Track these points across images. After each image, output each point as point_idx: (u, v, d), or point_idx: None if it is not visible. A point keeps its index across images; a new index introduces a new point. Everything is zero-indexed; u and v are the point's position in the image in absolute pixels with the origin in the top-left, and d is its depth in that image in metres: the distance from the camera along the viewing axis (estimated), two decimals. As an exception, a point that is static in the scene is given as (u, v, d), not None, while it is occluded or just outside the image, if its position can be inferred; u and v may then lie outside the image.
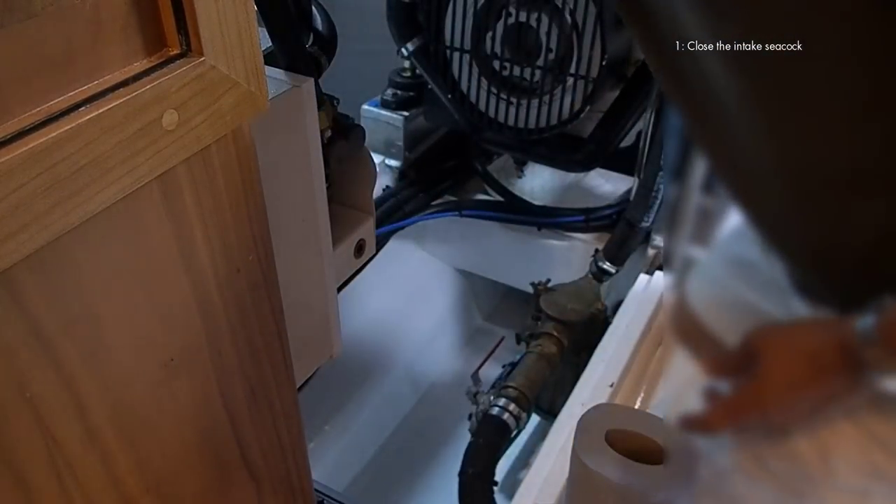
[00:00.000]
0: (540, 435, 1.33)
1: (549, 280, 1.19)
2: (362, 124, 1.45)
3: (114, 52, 0.32)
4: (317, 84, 0.52)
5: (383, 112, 1.35)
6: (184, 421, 0.43)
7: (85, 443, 0.37)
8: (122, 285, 0.36)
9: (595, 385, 0.97)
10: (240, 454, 0.49)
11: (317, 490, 0.77)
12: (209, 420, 0.45)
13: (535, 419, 1.27)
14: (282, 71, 0.52)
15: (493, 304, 1.72)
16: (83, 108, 0.30)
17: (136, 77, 0.32)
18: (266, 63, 0.39)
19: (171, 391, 0.41)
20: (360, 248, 0.63)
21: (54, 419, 0.34)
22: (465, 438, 1.10)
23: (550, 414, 1.29)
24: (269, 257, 0.46)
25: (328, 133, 0.55)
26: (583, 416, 0.66)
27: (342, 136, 0.56)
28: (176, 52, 0.34)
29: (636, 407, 0.95)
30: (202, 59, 0.34)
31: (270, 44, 0.53)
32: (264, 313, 0.47)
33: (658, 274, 1.18)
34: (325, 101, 0.54)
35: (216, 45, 0.34)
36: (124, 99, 0.31)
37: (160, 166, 0.34)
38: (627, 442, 0.64)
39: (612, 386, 0.97)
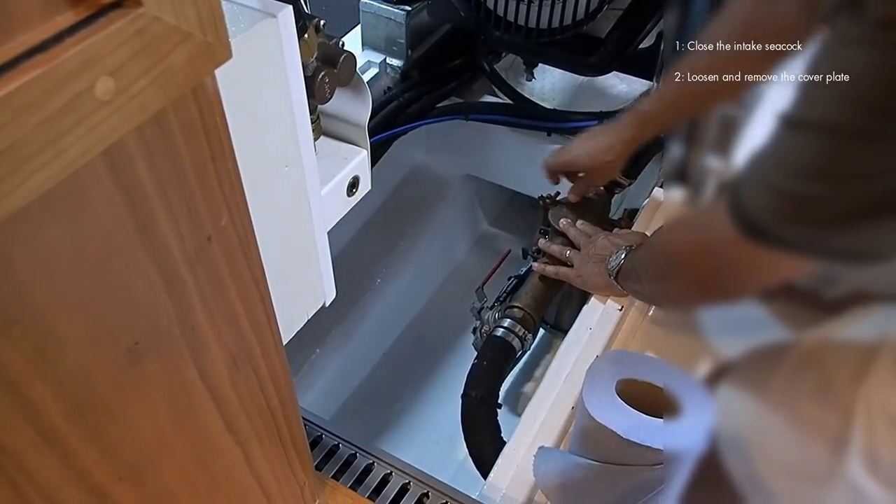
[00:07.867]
0: (543, 347, 1.31)
1: (557, 193, 1.14)
2: (361, 20, 1.34)
3: (26, 7, 0.25)
4: (298, 7, 0.45)
5: (384, 6, 1.24)
6: (155, 402, 0.40)
7: (39, 445, 0.33)
8: (69, 274, 0.31)
9: (604, 310, 0.93)
10: (223, 423, 0.46)
11: (311, 422, 0.74)
12: (185, 396, 0.42)
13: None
14: (255, -5, 0.44)
15: (498, 209, 1.67)
16: (-12, 83, 0.24)
17: (57, 38, 0.26)
18: None
19: (138, 375, 0.37)
20: (353, 186, 0.57)
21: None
22: (468, 352, 1.07)
23: (555, 328, 1.27)
24: (245, 218, 0.41)
25: (313, 64, 0.48)
26: (592, 364, 0.63)
27: (330, 65, 0.49)
28: (108, 1, 0.27)
29: (643, 327, 0.92)
30: (141, 9, 0.27)
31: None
32: (243, 278, 0.42)
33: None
34: (307, 28, 0.47)
35: (160, -10, 0.28)
36: (43, 69, 0.25)
37: (97, 145, 0.28)
38: (638, 391, 0.61)
39: (621, 310, 0.93)
